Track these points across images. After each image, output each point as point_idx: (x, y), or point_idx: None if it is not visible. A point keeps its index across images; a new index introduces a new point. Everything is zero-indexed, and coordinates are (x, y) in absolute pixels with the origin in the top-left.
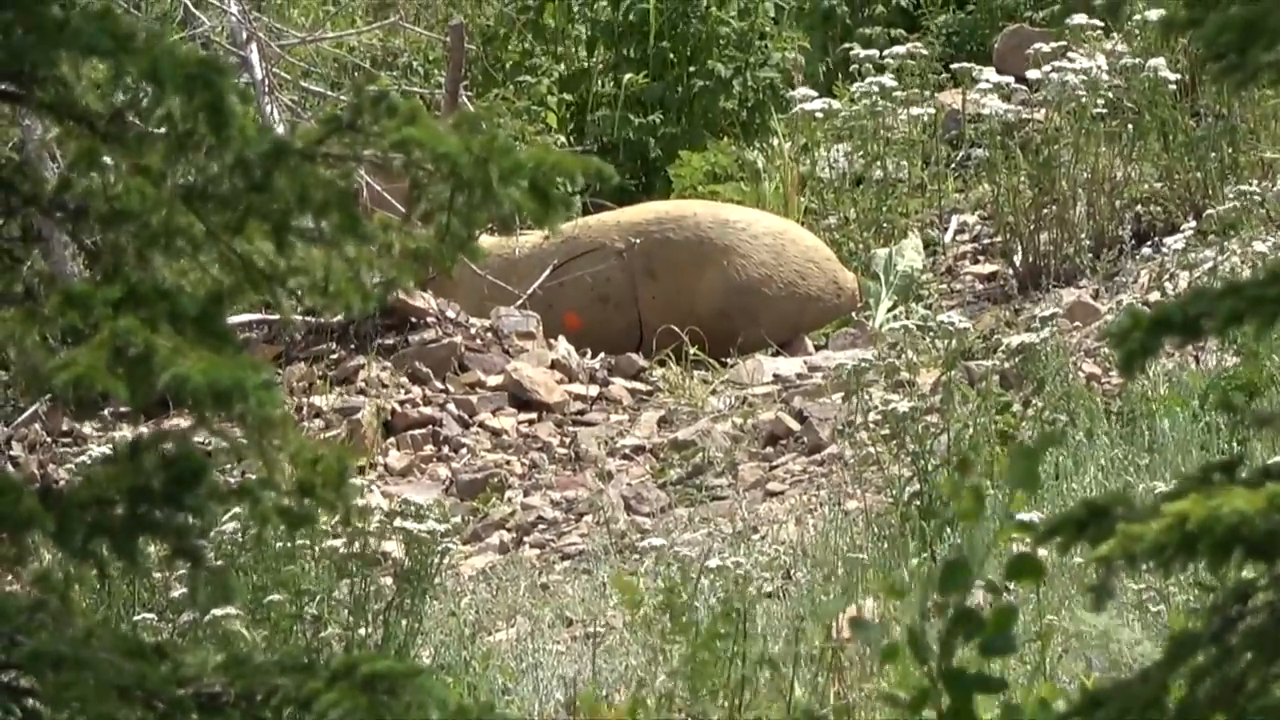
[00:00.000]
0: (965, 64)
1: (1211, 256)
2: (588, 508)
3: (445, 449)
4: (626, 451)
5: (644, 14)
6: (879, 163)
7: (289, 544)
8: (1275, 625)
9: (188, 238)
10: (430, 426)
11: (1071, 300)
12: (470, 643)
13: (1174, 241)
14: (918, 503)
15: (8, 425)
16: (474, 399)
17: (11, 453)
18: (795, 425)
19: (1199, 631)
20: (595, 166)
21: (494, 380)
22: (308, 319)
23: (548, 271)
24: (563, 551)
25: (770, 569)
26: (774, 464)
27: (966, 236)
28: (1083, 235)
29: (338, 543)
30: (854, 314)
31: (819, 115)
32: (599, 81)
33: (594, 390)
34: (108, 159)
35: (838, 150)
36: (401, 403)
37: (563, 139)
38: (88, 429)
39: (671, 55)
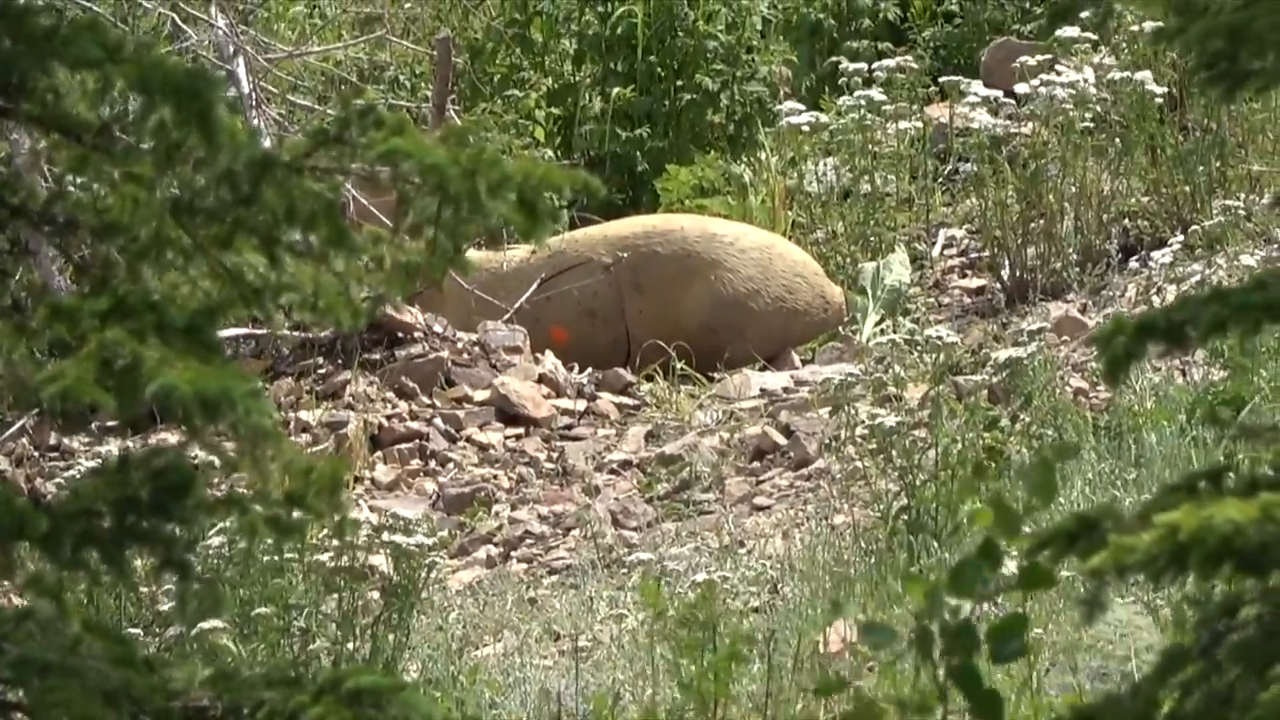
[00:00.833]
0: (953, 77)
1: (1199, 270)
2: (575, 522)
3: (432, 463)
4: (614, 466)
5: (631, 28)
6: (866, 176)
7: (276, 558)
8: (1263, 639)
9: (177, 251)
10: (417, 441)
11: (1059, 314)
12: (457, 657)
13: (1161, 256)
14: (905, 517)
15: None
16: (461, 413)
17: None
18: (782, 440)
19: (1188, 645)
20: (582, 180)
21: (481, 395)
22: (296, 334)
23: (535, 286)
24: (550, 566)
25: (757, 584)
26: (761, 479)
27: (954, 250)
28: (1070, 249)
29: (325, 557)
30: (841, 328)
31: (806, 129)
32: (586, 95)
33: (581, 405)
34: (97, 172)
35: (825, 164)
36: (388, 417)
37: (550, 153)
38: (75, 444)
39: (659, 69)
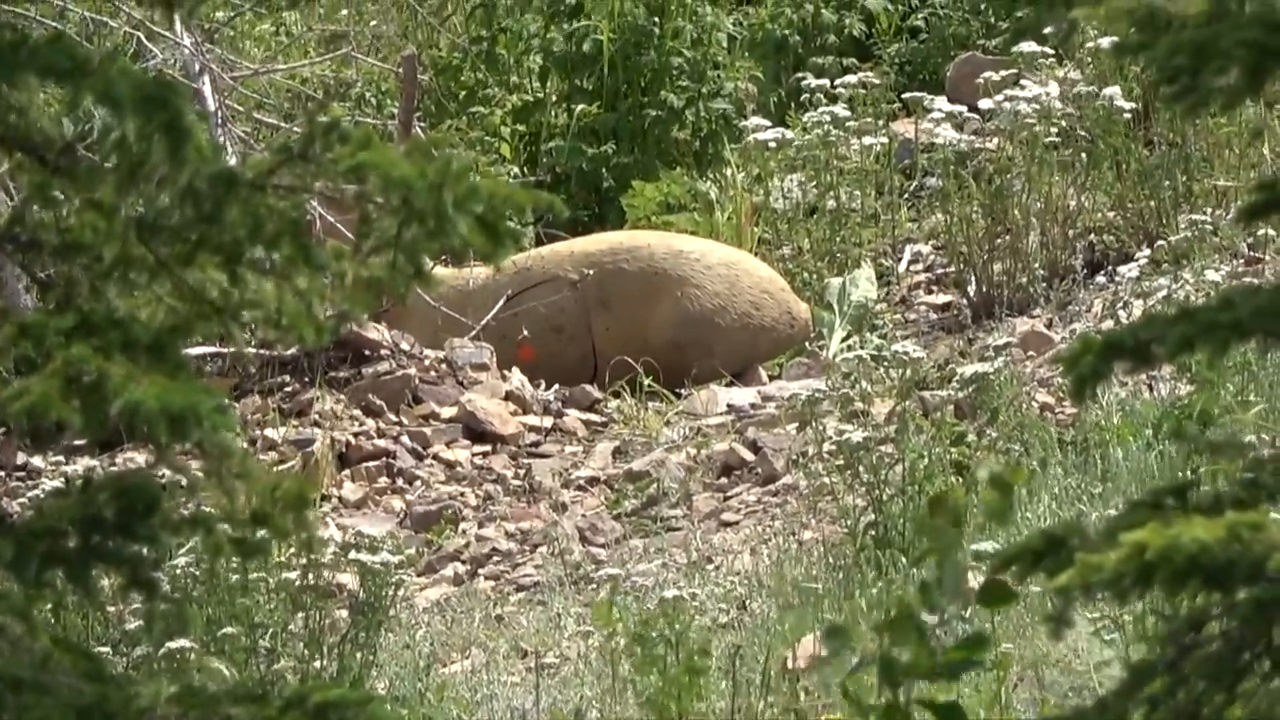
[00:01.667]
0: (918, 93)
1: (1165, 285)
2: (542, 539)
3: (399, 481)
4: (581, 483)
5: (597, 45)
6: (832, 192)
7: (243, 577)
8: (1230, 653)
9: (141, 269)
10: (384, 459)
11: (1025, 330)
12: (425, 675)
13: (1127, 270)
14: (872, 532)
15: None
16: (428, 431)
17: None
18: (749, 456)
19: (1155, 659)
20: (546, 200)
21: (448, 412)
22: (261, 352)
23: (501, 303)
24: (517, 583)
25: (725, 600)
26: (728, 494)
27: (920, 266)
28: (1036, 265)
29: (292, 575)
30: (808, 344)
31: (772, 145)
32: (552, 112)
33: (548, 422)
34: (59, 193)
35: (791, 180)
36: (355, 435)
37: (516, 170)
38: (41, 463)
39: (624, 85)
